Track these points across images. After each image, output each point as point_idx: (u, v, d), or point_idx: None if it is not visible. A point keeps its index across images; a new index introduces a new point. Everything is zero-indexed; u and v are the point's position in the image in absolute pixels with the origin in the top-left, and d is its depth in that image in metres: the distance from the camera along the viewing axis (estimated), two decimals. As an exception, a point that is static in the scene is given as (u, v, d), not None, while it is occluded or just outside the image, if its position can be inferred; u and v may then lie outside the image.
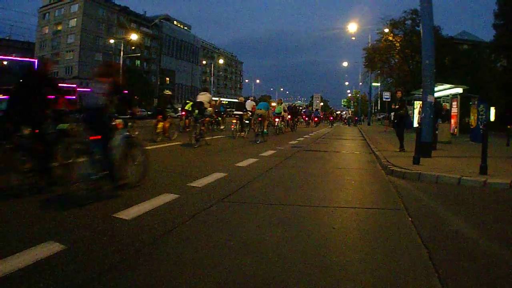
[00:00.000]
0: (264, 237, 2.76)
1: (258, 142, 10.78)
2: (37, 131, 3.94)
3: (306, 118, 28.35)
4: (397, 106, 9.12)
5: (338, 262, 2.34)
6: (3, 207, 3.35)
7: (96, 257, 2.27)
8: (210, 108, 10.08)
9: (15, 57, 42.24)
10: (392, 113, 9.30)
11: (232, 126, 12.47)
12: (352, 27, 24.42)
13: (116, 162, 3.79)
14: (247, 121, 13.27)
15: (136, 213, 3.20)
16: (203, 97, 9.70)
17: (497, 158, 7.35)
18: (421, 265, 2.31)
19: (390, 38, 29.05)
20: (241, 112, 13.16)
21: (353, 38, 42.74)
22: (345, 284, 2.04)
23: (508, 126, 11.75)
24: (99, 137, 3.68)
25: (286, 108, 17.78)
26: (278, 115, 15.57)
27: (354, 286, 2.02)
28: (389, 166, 6.22)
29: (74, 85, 42.08)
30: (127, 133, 4.11)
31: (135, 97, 49.68)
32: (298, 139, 13.37)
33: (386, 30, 28.83)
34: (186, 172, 5.51)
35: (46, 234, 2.63)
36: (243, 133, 12.86)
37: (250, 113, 13.08)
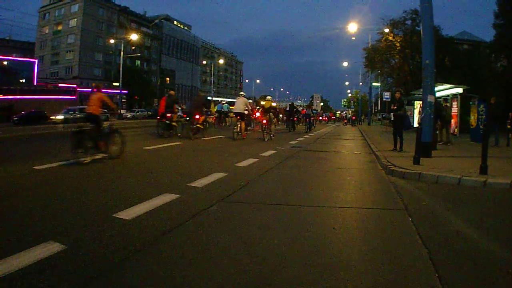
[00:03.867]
0: (264, 237, 2.76)
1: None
2: None
3: (320, 118, 36.64)
4: (395, 107, 9.19)
5: (338, 263, 2.34)
6: (3, 206, 3.35)
7: (96, 257, 2.27)
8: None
9: (15, 57, 42.27)
10: (391, 114, 9.37)
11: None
12: (352, 27, 24.36)
13: None
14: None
15: (136, 213, 3.20)
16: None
17: (497, 158, 7.34)
18: (421, 265, 2.31)
19: (390, 38, 29.02)
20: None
21: (353, 38, 42.82)
22: (346, 285, 2.04)
23: (508, 126, 11.71)
24: None
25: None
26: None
27: (355, 286, 2.02)
28: (389, 166, 6.21)
29: (74, 85, 42.07)
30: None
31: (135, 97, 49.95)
32: (298, 139, 13.36)
33: (386, 30, 28.80)
34: (186, 172, 5.51)
35: (46, 234, 2.63)
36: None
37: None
